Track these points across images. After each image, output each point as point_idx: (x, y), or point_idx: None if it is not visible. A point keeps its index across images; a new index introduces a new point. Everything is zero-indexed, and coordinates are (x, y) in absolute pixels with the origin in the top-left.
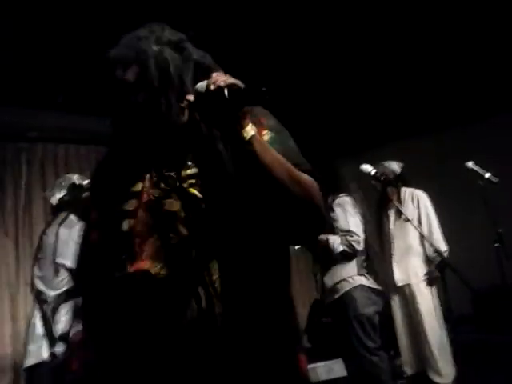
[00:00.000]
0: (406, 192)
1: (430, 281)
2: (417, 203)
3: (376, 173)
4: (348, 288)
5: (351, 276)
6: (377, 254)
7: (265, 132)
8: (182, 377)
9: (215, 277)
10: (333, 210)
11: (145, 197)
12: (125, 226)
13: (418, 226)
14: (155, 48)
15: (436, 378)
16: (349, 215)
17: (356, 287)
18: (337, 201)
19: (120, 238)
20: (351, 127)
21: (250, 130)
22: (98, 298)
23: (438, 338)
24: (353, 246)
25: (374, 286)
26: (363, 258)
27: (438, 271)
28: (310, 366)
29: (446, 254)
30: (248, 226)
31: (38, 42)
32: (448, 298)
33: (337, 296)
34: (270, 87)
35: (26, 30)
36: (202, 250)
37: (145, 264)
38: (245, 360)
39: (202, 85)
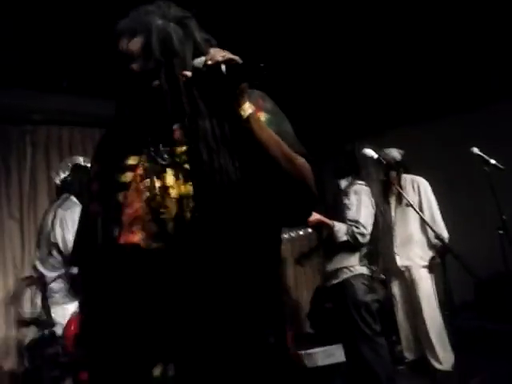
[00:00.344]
0: (407, 179)
1: (431, 267)
2: (417, 189)
3: (379, 157)
4: (348, 275)
5: (353, 265)
6: (379, 244)
7: (261, 114)
8: (174, 339)
9: (206, 251)
10: (347, 196)
11: (140, 170)
12: (120, 197)
13: (420, 211)
14: (160, 22)
15: (435, 364)
16: (362, 205)
17: (356, 275)
18: (353, 188)
19: (114, 208)
20: (351, 114)
21: (247, 108)
22: (92, 268)
23: (436, 324)
24: (357, 238)
25: (374, 275)
26: (366, 249)
27: (439, 257)
28: (310, 351)
29: (446, 241)
30: (239, 205)
31: (42, 23)
32: (448, 285)
33: (336, 282)
34: (267, 63)
35: (30, 12)
36: (193, 227)
37: (135, 236)
38: (232, 327)
39: (200, 60)
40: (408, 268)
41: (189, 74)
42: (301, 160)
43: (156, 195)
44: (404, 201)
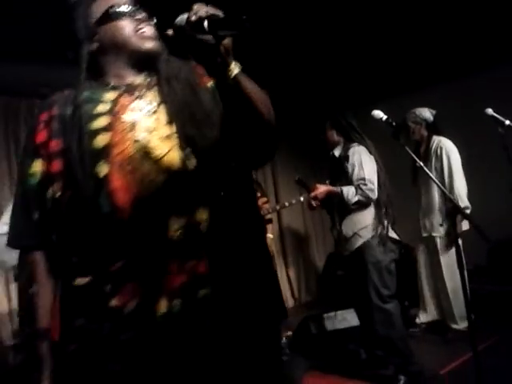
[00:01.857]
0: (435, 141)
1: (451, 238)
2: (440, 154)
3: (388, 118)
4: (366, 237)
5: (368, 225)
6: (391, 203)
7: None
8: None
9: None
10: (347, 160)
11: (120, 111)
12: (99, 142)
13: (441, 178)
14: None
15: (452, 324)
16: (364, 163)
17: (374, 236)
18: (351, 150)
19: (95, 155)
20: (370, 77)
21: (234, 67)
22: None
23: (456, 288)
24: (367, 194)
25: (391, 234)
26: (380, 206)
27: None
28: (324, 315)
29: (467, 211)
30: (218, 142)
31: None
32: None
33: (356, 246)
34: (249, 16)
35: None
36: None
37: (121, 192)
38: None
39: (182, 18)
40: (432, 236)
41: (170, 32)
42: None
43: (143, 136)
44: (429, 164)
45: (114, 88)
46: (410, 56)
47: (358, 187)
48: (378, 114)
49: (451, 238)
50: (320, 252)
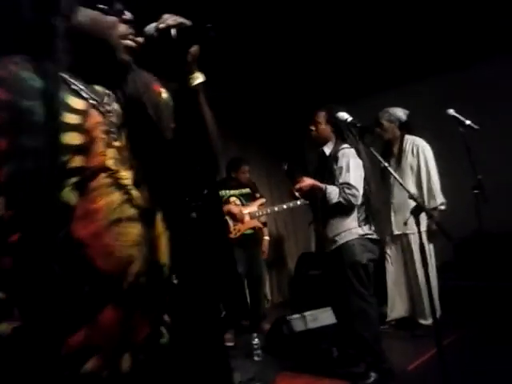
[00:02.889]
0: (408, 140)
1: (428, 235)
2: (416, 152)
3: (352, 120)
4: (347, 239)
5: (351, 228)
6: (376, 207)
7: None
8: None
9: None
10: (336, 161)
11: (93, 130)
12: (72, 163)
13: (417, 176)
14: None
15: (421, 320)
16: (351, 167)
17: (355, 238)
18: (341, 152)
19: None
20: (343, 75)
21: (197, 77)
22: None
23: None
24: (349, 199)
25: (371, 236)
26: (363, 210)
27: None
28: (295, 316)
29: (443, 207)
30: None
31: None
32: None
33: (334, 246)
34: (214, 25)
35: None
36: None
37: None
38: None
39: (150, 26)
40: (405, 233)
41: (141, 40)
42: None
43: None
44: (403, 163)
45: (81, 95)
46: (379, 56)
47: (341, 190)
48: (343, 115)
49: (428, 234)
50: (292, 253)
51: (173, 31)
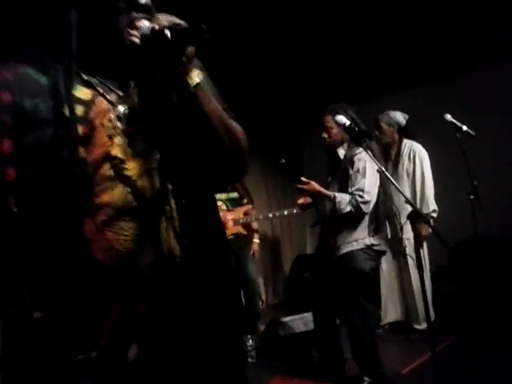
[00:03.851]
0: (406, 145)
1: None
2: (413, 158)
3: (350, 124)
4: (353, 248)
5: (359, 239)
6: (390, 215)
7: (197, 71)
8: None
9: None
10: (352, 165)
11: (97, 119)
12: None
13: (412, 181)
14: None
15: (415, 325)
16: (367, 173)
17: (361, 248)
18: (357, 156)
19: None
20: (343, 76)
21: (195, 77)
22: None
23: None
24: (360, 207)
25: (378, 248)
26: (375, 218)
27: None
28: (287, 318)
29: (434, 214)
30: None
31: None
32: (419, 254)
33: (339, 253)
34: (210, 26)
35: None
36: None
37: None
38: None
39: (146, 27)
40: (400, 238)
41: (137, 41)
42: (237, 127)
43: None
44: (400, 167)
45: (88, 82)
46: (379, 57)
47: (353, 197)
48: (341, 119)
49: (420, 240)
50: (287, 254)
51: (167, 32)
